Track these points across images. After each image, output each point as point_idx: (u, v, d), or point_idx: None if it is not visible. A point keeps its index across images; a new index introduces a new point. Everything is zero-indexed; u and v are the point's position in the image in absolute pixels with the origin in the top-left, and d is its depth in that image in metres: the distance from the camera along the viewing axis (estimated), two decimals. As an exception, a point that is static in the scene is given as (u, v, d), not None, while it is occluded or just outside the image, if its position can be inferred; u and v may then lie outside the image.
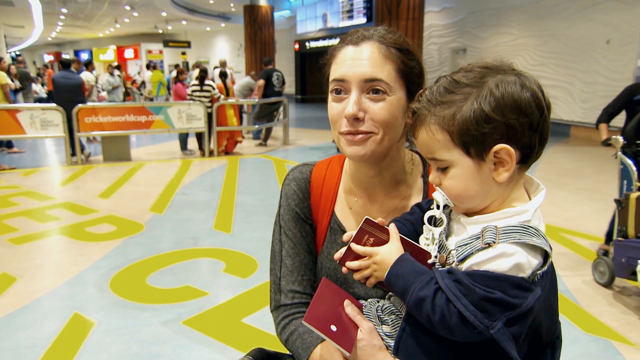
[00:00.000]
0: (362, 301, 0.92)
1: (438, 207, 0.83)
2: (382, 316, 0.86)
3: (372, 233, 0.83)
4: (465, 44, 13.38)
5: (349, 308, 0.87)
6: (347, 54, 0.93)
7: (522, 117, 0.72)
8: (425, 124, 0.78)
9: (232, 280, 3.51)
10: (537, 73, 11.18)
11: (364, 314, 0.88)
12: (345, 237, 0.86)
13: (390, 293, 0.89)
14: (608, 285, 3.32)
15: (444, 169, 0.78)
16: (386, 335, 0.84)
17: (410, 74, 0.93)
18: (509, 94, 0.72)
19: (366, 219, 0.83)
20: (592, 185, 6.29)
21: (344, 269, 0.86)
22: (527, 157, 0.76)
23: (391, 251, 0.80)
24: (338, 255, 0.86)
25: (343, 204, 1.08)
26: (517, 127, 0.72)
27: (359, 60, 0.90)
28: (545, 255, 0.74)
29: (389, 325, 0.85)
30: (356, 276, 0.84)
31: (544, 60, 10.97)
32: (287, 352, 1.07)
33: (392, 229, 0.84)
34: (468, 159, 0.75)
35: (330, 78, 0.95)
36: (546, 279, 0.74)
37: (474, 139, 0.73)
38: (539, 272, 0.73)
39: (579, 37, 10.04)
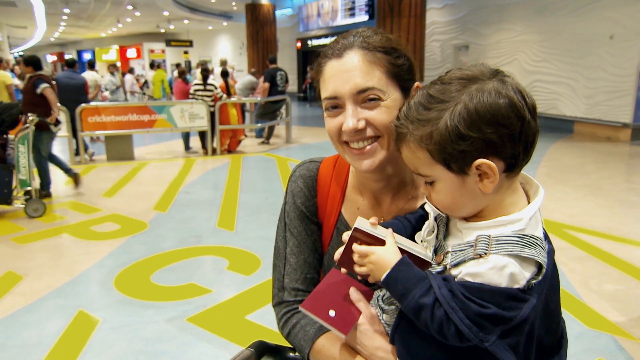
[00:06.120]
0: None
1: (435, 217, 0.83)
2: (382, 305, 0.87)
3: (363, 240, 0.82)
4: (468, 40, 13.34)
5: (354, 294, 0.87)
6: (333, 68, 0.90)
7: (501, 129, 0.70)
8: (405, 141, 0.77)
9: (235, 278, 3.53)
10: (540, 69, 11.08)
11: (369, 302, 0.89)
12: (344, 236, 0.86)
13: None
14: None
15: (431, 183, 0.78)
16: (386, 323, 0.85)
17: (400, 73, 0.91)
18: (484, 107, 0.70)
19: (355, 228, 0.83)
20: (595, 181, 6.28)
21: (342, 270, 0.87)
22: (512, 166, 0.74)
23: (387, 252, 0.80)
24: (337, 255, 0.86)
25: (350, 203, 1.06)
26: (496, 141, 0.70)
27: (346, 73, 0.88)
28: (541, 265, 0.73)
29: (388, 314, 0.85)
30: (357, 270, 0.84)
31: (546, 56, 10.92)
32: (289, 346, 1.07)
33: (388, 231, 0.83)
34: (451, 174, 0.74)
35: (322, 96, 0.93)
36: (543, 286, 0.74)
37: (453, 156, 0.72)
38: (533, 281, 0.72)
39: (582, 33, 10.00)
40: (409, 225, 0.90)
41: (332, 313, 0.84)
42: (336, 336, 0.92)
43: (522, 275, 0.71)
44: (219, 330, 2.83)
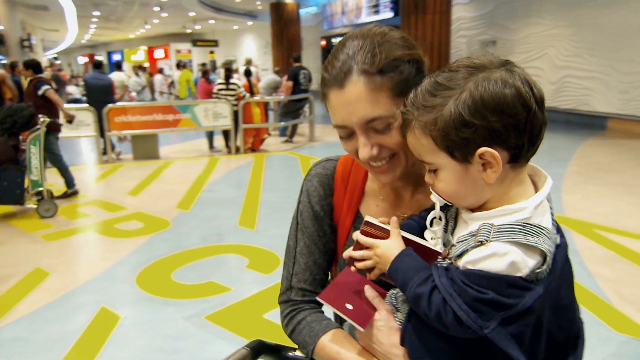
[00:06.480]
0: None
1: (440, 206, 0.83)
2: (396, 304, 0.87)
3: (373, 234, 0.84)
4: (495, 35, 13.05)
5: (369, 291, 0.87)
6: (337, 99, 0.87)
7: (506, 118, 0.69)
8: (411, 128, 0.77)
9: (254, 276, 3.54)
10: (571, 64, 10.72)
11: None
12: (354, 235, 0.87)
13: None
14: None
15: (434, 171, 0.78)
16: (400, 321, 0.85)
17: (407, 86, 0.85)
18: (490, 95, 0.69)
19: (365, 221, 0.85)
20: (629, 179, 6.04)
21: (352, 268, 0.88)
22: (517, 157, 0.73)
23: (392, 245, 0.81)
24: (347, 254, 0.87)
25: (369, 202, 1.05)
26: (500, 130, 0.70)
27: (351, 105, 0.85)
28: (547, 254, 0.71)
29: (402, 312, 0.86)
30: (359, 265, 0.85)
31: (578, 50, 10.58)
32: (288, 345, 1.07)
33: (393, 223, 0.84)
34: (454, 162, 0.74)
35: (332, 123, 0.93)
36: (552, 277, 0.72)
37: (456, 144, 0.72)
38: (538, 270, 0.70)
39: (615, 25, 9.64)
40: (421, 221, 0.89)
41: (349, 306, 0.86)
42: (341, 333, 0.94)
43: (525, 264, 0.69)
44: (237, 328, 2.84)
